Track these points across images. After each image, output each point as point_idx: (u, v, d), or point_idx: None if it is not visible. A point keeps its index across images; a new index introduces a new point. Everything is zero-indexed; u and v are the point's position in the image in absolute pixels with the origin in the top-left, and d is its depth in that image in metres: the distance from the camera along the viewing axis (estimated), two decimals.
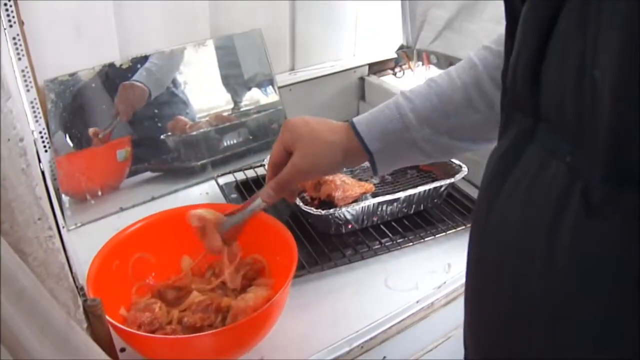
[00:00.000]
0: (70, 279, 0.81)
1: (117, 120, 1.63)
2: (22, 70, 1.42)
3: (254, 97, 1.93)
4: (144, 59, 1.68)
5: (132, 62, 1.66)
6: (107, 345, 0.91)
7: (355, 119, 1.04)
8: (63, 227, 0.82)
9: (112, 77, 1.63)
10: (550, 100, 0.60)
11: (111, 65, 1.62)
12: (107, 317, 0.91)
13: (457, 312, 1.43)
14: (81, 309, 0.84)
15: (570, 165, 0.57)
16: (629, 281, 0.52)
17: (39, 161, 1.21)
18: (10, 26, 1.36)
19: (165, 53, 1.72)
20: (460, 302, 1.40)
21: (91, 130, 1.59)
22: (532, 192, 0.63)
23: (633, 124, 0.49)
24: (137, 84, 1.66)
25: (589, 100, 0.53)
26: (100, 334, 0.89)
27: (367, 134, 1.02)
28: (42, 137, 1.51)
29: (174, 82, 1.75)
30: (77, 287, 0.83)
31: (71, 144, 1.56)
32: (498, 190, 0.69)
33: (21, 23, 1.38)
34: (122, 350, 1.15)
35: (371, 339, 1.25)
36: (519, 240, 0.65)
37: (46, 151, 1.52)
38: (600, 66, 0.51)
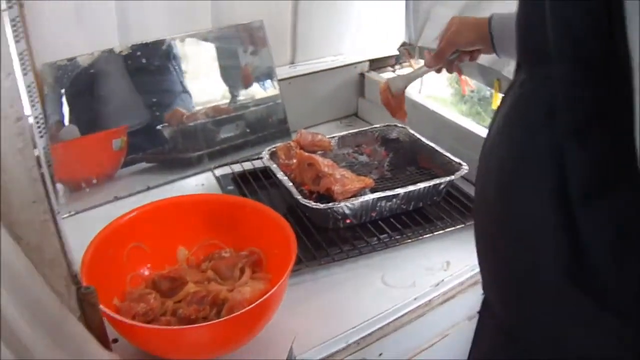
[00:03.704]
0: (65, 265, 0.79)
1: None
2: (20, 53, 1.38)
3: (253, 90, 1.91)
4: (144, 46, 1.66)
5: (131, 49, 1.63)
6: (100, 334, 0.89)
7: (496, 14, 1.32)
8: (58, 213, 0.80)
9: (111, 63, 1.61)
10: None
11: (110, 51, 1.60)
12: (101, 306, 0.89)
13: (454, 311, 1.41)
14: (75, 296, 0.82)
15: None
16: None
17: (34, 147, 1.19)
18: (10, 7, 1.33)
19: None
20: (459, 300, 1.39)
21: None
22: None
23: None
24: None
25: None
26: (93, 323, 0.87)
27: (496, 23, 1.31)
28: (37, 122, 1.48)
29: (178, 71, 1.74)
30: (71, 274, 0.81)
31: (70, 131, 1.54)
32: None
33: (20, 5, 1.36)
34: (115, 341, 1.12)
35: (367, 335, 1.23)
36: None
37: (42, 137, 1.49)
38: None
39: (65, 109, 1.55)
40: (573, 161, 0.66)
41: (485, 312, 1.00)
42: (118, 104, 1.65)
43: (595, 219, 0.66)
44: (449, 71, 1.50)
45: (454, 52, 1.41)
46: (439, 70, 1.50)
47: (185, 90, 1.78)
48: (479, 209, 0.92)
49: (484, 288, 0.98)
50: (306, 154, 1.49)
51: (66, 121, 1.55)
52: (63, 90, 1.53)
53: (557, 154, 0.68)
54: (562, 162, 0.67)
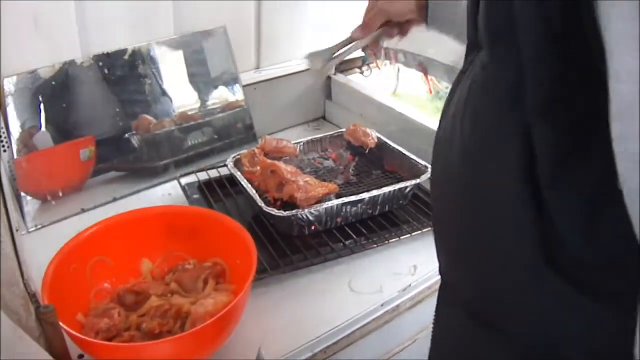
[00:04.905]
0: (22, 285, 0.79)
1: None
2: None
3: (222, 95, 1.91)
4: (106, 56, 1.65)
5: (93, 60, 1.63)
6: (61, 353, 0.89)
7: None
8: (17, 230, 0.79)
9: (73, 75, 1.60)
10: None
11: (72, 62, 1.59)
12: (61, 324, 0.89)
13: (423, 315, 1.42)
14: (33, 316, 0.82)
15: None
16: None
17: None
18: None
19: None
20: (427, 304, 1.40)
21: None
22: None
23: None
24: None
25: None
26: (54, 342, 0.87)
27: None
28: (0, 136, 1.47)
29: (148, 79, 1.75)
30: (29, 293, 0.81)
31: (34, 143, 1.53)
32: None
33: None
34: (80, 356, 1.12)
35: (334, 343, 1.24)
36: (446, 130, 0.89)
37: (4, 151, 1.48)
38: None
39: (31, 121, 1.54)
40: (541, 139, 0.66)
41: (443, 292, 1.01)
42: (85, 114, 1.64)
43: (564, 194, 0.66)
44: (374, 49, 1.54)
45: (382, 25, 1.31)
46: (364, 48, 1.46)
47: (164, 97, 1.79)
48: (440, 196, 0.93)
49: (442, 272, 1.00)
50: (269, 160, 1.48)
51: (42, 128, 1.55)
52: (27, 102, 1.52)
53: (525, 133, 0.67)
54: (530, 141, 0.67)
